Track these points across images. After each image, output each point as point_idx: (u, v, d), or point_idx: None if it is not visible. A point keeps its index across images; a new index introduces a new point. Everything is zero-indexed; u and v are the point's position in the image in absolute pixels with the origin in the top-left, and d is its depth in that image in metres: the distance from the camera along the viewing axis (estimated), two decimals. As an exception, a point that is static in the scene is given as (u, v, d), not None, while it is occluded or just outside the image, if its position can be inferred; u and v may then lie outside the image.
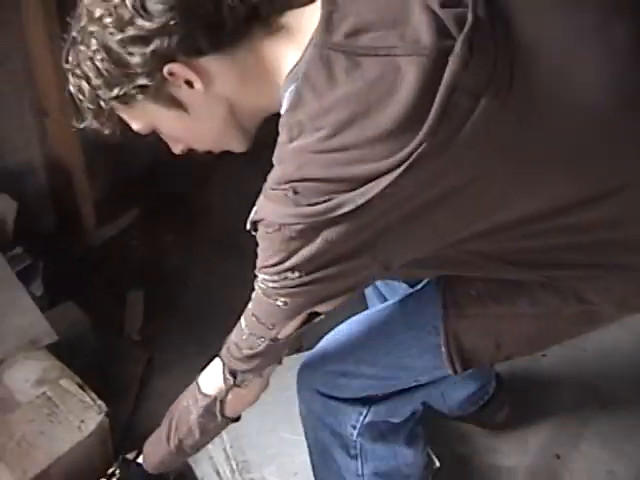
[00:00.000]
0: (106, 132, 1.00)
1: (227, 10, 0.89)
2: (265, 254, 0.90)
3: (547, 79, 0.88)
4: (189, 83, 0.93)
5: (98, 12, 0.90)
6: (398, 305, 1.20)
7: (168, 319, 2.08)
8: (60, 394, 1.59)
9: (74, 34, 0.95)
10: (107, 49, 0.91)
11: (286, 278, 0.89)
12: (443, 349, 1.12)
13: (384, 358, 1.20)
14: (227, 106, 0.97)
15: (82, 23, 0.93)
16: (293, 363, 1.25)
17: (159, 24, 0.88)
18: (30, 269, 1.96)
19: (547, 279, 1.03)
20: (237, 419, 1.19)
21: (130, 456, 1.42)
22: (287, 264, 0.88)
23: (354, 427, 1.26)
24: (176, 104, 0.96)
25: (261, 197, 0.89)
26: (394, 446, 1.34)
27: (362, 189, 0.81)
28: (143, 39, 0.89)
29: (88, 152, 2.13)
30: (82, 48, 0.93)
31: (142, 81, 0.92)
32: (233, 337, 1.04)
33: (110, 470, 1.37)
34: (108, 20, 0.89)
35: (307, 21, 0.89)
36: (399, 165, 0.80)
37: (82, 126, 1.00)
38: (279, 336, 0.97)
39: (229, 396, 1.09)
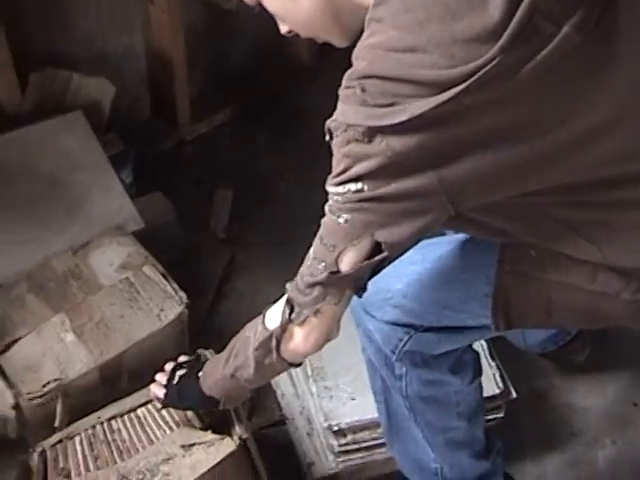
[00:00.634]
0: None
1: None
2: (334, 162, 0.90)
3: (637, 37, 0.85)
4: None
5: None
6: (457, 245, 1.20)
7: (254, 222, 2.07)
8: (142, 281, 1.60)
9: None
10: None
11: (349, 190, 0.89)
12: (490, 300, 1.12)
13: (429, 292, 1.20)
14: None
15: None
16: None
17: None
18: (122, 155, 1.96)
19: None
20: (298, 365, 1.15)
21: (207, 353, 1.42)
22: (351, 172, 0.87)
23: (393, 352, 1.26)
24: None
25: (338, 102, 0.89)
26: (436, 373, 1.33)
27: (428, 99, 0.80)
28: None
29: (191, 44, 2.11)
30: None
31: None
32: (302, 267, 1.03)
33: (182, 358, 1.37)
34: None
35: None
36: (466, 79, 0.79)
37: None
38: (340, 265, 0.95)
39: (285, 333, 1.07)
